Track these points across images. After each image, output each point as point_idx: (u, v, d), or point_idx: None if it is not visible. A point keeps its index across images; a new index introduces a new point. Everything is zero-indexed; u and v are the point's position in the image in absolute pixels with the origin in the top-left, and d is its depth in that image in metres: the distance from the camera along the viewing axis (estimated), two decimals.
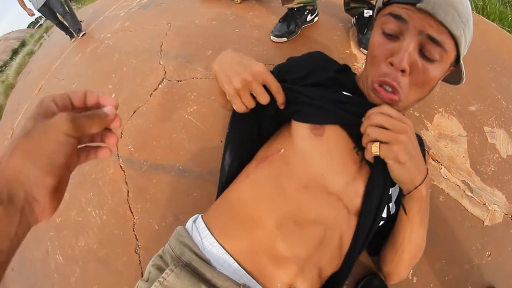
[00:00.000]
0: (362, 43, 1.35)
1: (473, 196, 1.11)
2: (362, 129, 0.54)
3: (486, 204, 1.11)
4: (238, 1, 1.88)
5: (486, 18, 2.46)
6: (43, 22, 11.90)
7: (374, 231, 0.60)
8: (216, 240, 0.56)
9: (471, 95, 1.39)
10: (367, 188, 0.57)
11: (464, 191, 1.10)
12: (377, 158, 0.53)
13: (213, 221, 0.60)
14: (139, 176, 1.15)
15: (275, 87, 0.55)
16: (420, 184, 0.53)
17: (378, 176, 0.56)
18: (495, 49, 1.81)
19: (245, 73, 0.52)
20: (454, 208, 1.06)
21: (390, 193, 0.61)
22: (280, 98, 0.57)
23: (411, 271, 0.93)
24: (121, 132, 1.32)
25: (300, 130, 0.59)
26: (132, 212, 1.08)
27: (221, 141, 1.10)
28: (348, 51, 1.37)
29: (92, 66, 2.02)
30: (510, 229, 1.10)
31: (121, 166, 1.22)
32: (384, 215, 0.62)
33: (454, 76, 0.64)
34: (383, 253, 0.66)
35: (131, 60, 1.76)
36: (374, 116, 0.52)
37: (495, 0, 2.91)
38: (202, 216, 0.63)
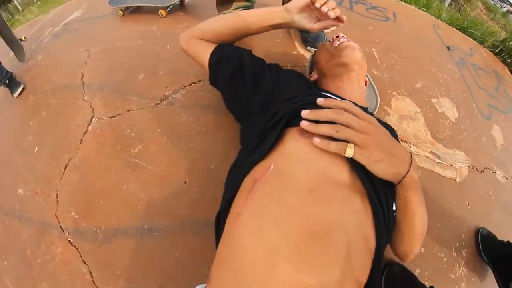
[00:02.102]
0: (308, 42, 1.14)
1: (441, 162, 1.11)
2: (321, 115, 0.50)
3: (453, 164, 1.12)
4: (164, 14, 1.49)
5: (404, 2, 2.42)
6: None
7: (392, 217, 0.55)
8: None
9: (414, 74, 1.35)
10: (362, 170, 0.49)
11: (434, 160, 1.09)
12: None
13: None
14: (97, 249, 0.80)
15: None
16: (407, 172, 0.49)
17: None
18: (418, 29, 1.84)
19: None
20: (431, 178, 1.05)
21: None
22: None
23: None
24: (57, 197, 0.93)
25: (297, 134, 0.52)
26: None
27: (185, 182, 0.80)
28: (295, 52, 1.16)
29: (3, 116, 1.46)
30: (475, 177, 1.15)
31: (69, 241, 0.85)
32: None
33: None
34: (394, 238, 0.61)
35: (49, 101, 1.28)
36: (340, 113, 0.50)
37: None
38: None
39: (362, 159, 0.48)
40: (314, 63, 0.82)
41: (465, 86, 1.51)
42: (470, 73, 1.66)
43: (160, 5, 1.47)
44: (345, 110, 0.50)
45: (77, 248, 0.81)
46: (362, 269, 0.45)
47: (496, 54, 2.19)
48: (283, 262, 0.40)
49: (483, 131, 1.35)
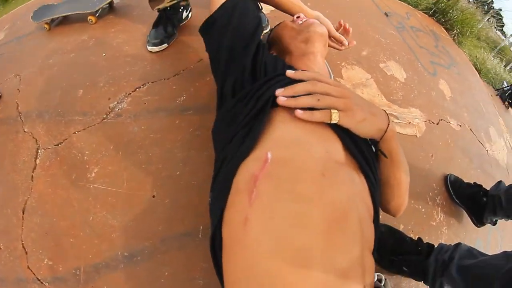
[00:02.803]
0: None
1: (400, 121, 1.12)
2: (298, 90, 0.47)
3: (411, 122, 1.15)
4: (93, 20, 1.29)
5: None
6: None
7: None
8: None
9: (359, 43, 1.30)
10: (350, 141, 0.48)
11: (393, 121, 1.07)
12: None
13: None
14: None
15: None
16: (388, 126, 0.51)
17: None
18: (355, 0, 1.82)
19: None
20: None
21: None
22: None
23: None
24: (23, 247, 0.80)
25: (282, 117, 0.47)
26: None
27: (153, 196, 0.70)
28: None
29: None
30: (433, 129, 1.18)
31: None
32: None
33: None
34: (384, 195, 0.59)
35: None
36: (316, 83, 0.48)
37: None
38: None
39: (347, 122, 0.47)
40: (273, 42, 0.78)
41: (408, 48, 1.55)
42: (410, 35, 1.71)
43: (88, 11, 1.27)
44: (318, 80, 0.49)
45: None
46: (371, 235, 0.45)
47: (430, 16, 2.29)
48: (315, 260, 0.36)
49: (431, 86, 1.40)
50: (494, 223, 0.98)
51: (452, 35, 2.23)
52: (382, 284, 0.46)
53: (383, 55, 1.35)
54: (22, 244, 0.81)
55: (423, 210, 0.96)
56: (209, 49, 0.66)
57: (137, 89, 0.90)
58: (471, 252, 0.66)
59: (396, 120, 1.12)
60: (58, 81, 1.05)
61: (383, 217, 0.72)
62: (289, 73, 0.51)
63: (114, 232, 0.70)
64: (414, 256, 0.75)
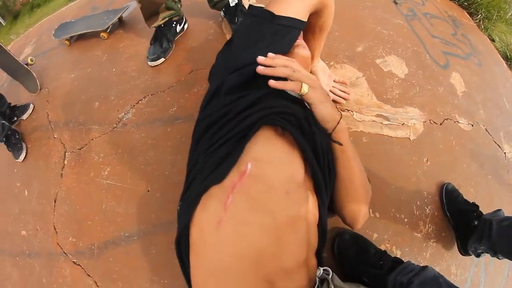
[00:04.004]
0: None
1: (391, 123, 1.06)
2: (277, 62, 0.54)
3: (405, 123, 1.07)
4: (105, 36, 1.52)
5: None
6: None
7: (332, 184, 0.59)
8: None
9: (354, 37, 1.29)
10: (316, 166, 0.53)
11: (382, 122, 1.05)
12: (288, 131, 0.52)
13: None
14: (96, 262, 0.93)
15: None
16: (340, 118, 0.58)
17: (297, 134, 0.52)
18: None
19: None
20: (379, 142, 1.01)
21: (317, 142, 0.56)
22: None
23: (370, 209, 0.87)
24: (54, 228, 1.05)
25: (261, 137, 0.51)
26: None
27: (148, 191, 0.91)
28: None
29: None
30: (433, 131, 1.09)
31: (73, 262, 0.97)
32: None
33: None
34: (338, 197, 0.61)
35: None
36: (291, 62, 0.55)
37: None
38: None
39: (312, 97, 0.54)
40: None
41: (416, 39, 1.43)
42: (422, 24, 1.58)
43: (100, 29, 1.50)
44: (294, 61, 0.56)
45: (81, 266, 0.94)
46: (315, 241, 0.53)
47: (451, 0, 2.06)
48: (270, 264, 0.44)
49: (439, 81, 1.27)
50: (478, 255, 0.85)
51: (477, 20, 1.99)
52: (330, 276, 0.48)
53: (383, 49, 1.27)
54: (54, 226, 1.06)
55: (406, 220, 0.90)
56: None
57: (140, 101, 1.11)
58: (437, 281, 0.57)
59: (385, 122, 1.05)
60: (78, 94, 1.30)
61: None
62: (270, 54, 0.55)
63: (119, 217, 0.92)
64: (375, 269, 0.70)
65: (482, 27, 1.98)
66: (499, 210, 0.85)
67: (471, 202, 0.91)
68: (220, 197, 0.45)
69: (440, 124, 1.12)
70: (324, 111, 0.56)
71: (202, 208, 0.46)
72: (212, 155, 0.50)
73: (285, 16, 0.61)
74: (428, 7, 1.78)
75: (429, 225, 0.92)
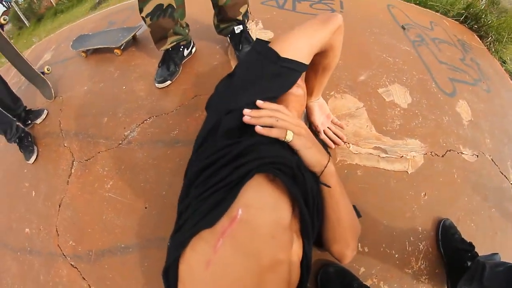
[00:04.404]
0: None
1: (388, 156, 1.05)
2: (262, 113, 0.57)
3: (404, 155, 1.05)
4: (119, 53, 1.65)
5: None
6: None
7: (318, 223, 0.61)
8: None
9: (358, 66, 1.30)
10: (291, 199, 0.56)
11: (379, 155, 1.05)
12: (279, 177, 0.54)
13: None
14: (92, 267, 1.03)
15: None
16: (327, 163, 0.60)
17: (289, 183, 0.54)
18: (369, 13, 1.74)
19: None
20: (375, 175, 1.01)
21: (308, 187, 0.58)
22: None
23: (359, 243, 0.90)
24: (57, 231, 1.15)
25: (251, 184, 0.53)
26: None
27: (146, 207, 1.02)
28: None
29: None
30: (434, 163, 1.07)
31: (71, 264, 1.07)
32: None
33: None
34: (326, 237, 0.65)
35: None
36: (277, 110, 0.59)
37: None
38: None
39: (298, 144, 0.57)
40: None
41: (422, 66, 1.43)
42: (430, 49, 1.58)
43: (114, 46, 1.63)
44: (279, 110, 0.59)
45: (77, 269, 1.04)
46: (297, 278, 0.55)
47: (462, 22, 2.08)
48: None
49: (444, 110, 1.25)
50: None
51: (487, 43, 1.97)
52: None
53: (386, 78, 1.27)
54: (56, 228, 1.16)
55: (396, 255, 0.90)
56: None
57: (145, 121, 1.22)
58: None
59: (383, 155, 1.04)
60: (90, 107, 1.42)
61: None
62: (258, 102, 0.60)
63: (118, 229, 1.03)
64: None
65: (493, 49, 1.96)
66: (496, 254, 0.84)
67: (468, 241, 0.89)
68: (210, 240, 0.48)
69: (442, 156, 1.10)
70: (309, 157, 0.59)
71: (191, 248, 0.49)
72: (205, 201, 0.52)
73: (289, 59, 0.63)
74: (437, 32, 1.79)
75: (422, 261, 0.91)
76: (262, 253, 0.49)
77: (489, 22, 2.03)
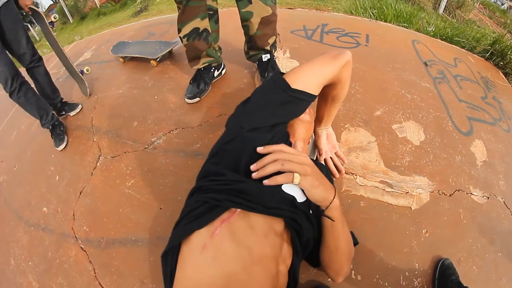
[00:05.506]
0: None
1: (394, 190, 1.08)
2: (266, 161, 0.60)
3: (409, 192, 1.08)
4: (155, 64, 1.86)
5: (384, 21, 2.36)
6: None
7: (311, 242, 0.67)
8: None
9: (375, 101, 1.35)
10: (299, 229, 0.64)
11: (384, 189, 1.09)
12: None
13: None
14: (100, 253, 1.15)
15: None
16: (334, 197, 0.63)
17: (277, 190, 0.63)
18: (393, 48, 1.80)
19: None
20: (378, 207, 1.05)
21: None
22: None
23: (353, 271, 0.94)
24: (73, 215, 1.28)
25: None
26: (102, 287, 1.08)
27: (160, 208, 1.16)
28: None
29: (30, 146, 1.84)
30: (440, 202, 1.08)
31: (81, 247, 1.20)
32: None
33: None
34: (323, 259, 0.72)
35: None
36: (280, 153, 0.61)
37: (390, 0, 2.71)
38: None
39: (305, 185, 0.59)
40: None
41: (441, 103, 1.45)
42: (451, 87, 1.60)
43: (151, 57, 1.84)
44: (282, 151, 0.62)
45: (86, 252, 1.16)
46: (284, 281, 0.61)
47: (487, 59, 2.08)
48: (237, 284, 0.52)
49: (458, 149, 1.26)
50: None
51: None
52: None
53: (402, 114, 1.31)
54: (73, 213, 1.30)
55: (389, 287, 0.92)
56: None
57: (171, 131, 1.40)
58: None
59: (388, 189, 1.07)
60: (122, 110, 1.60)
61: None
62: (259, 149, 0.63)
63: (131, 223, 1.16)
64: None
65: None
66: None
67: (464, 286, 0.87)
68: (210, 228, 0.57)
69: (450, 195, 1.11)
70: (316, 196, 0.61)
71: (194, 234, 0.57)
72: (204, 203, 0.62)
73: (298, 90, 0.70)
74: (460, 69, 1.80)
75: None
76: (254, 246, 0.56)
77: None
